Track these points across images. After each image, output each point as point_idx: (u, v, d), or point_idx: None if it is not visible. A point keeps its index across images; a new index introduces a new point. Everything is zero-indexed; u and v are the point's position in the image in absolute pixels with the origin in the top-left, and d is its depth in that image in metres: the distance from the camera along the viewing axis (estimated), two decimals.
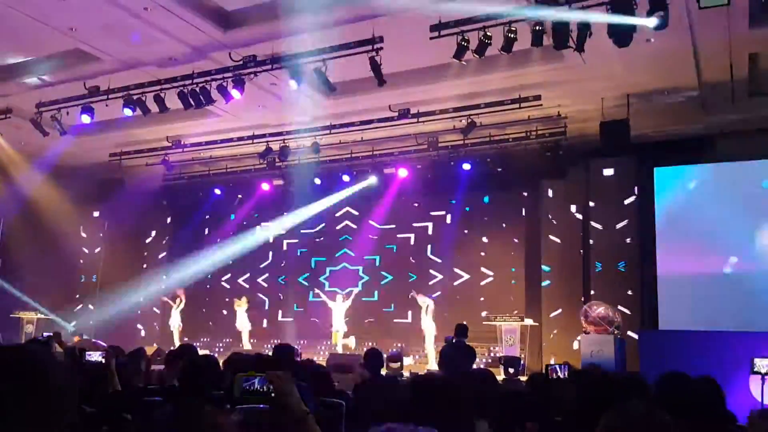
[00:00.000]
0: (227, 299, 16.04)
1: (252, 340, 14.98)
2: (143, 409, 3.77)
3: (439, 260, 14.64)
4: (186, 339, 14.03)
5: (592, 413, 1.81)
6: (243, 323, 14.86)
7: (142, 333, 16.68)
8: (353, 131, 12.59)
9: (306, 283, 15.74)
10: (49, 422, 1.33)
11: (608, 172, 12.54)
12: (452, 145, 12.81)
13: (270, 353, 6.23)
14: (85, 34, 9.56)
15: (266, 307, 16.12)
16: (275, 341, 14.46)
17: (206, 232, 17.34)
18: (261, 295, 16.25)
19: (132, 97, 10.63)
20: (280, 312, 16.01)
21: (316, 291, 14.69)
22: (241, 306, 14.91)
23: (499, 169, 13.01)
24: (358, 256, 15.42)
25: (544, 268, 13.13)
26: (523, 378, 8.70)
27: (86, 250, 17.32)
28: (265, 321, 16.03)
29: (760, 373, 7.21)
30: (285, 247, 16.45)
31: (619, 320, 11.10)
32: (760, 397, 7.39)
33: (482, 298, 13.85)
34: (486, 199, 14.36)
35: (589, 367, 6.52)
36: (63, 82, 11.02)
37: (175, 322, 15.11)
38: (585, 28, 7.46)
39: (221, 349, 14.94)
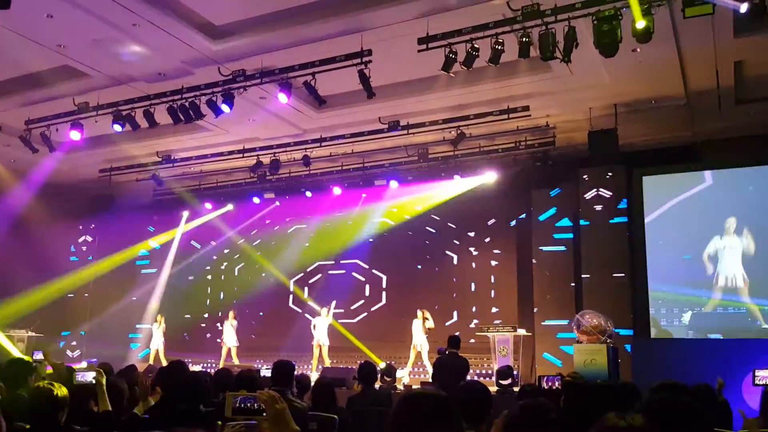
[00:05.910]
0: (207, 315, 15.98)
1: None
2: (133, 428, 3.74)
3: (429, 270, 14.62)
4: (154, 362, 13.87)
5: (581, 424, 1.81)
6: (230, 339, 14.46)
7: (133, 350, 16.53)
8: (343, 144, 12.61)
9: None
10: None
11: (597, 181, 12.57)
12: (442, 156, 12.85)
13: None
14: (73, 50, 9.52)
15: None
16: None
17: (195, 246, 17.26)
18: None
19: (121, 113, 10.60)
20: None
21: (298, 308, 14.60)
22: (229, 321, 14.65)
23: (489, 179, 13.02)
24: (348, 270, 15.40)
25: (536, 276, 13.13)
26: (517, 389, 8.66)
27: (76, 267, 17.17)
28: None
29: (763, 384, 7.12)
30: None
31: (611, 329, 11.09)
32: (756, 406, 7.35)
33: (474, 309, 13.83)
34: (477, 208, 14.33)
35: (572, 376, 6.51)
36: (52, 98, 10.97)
37: (156, 343, 14.85)
38: (571, 39, 7.51)
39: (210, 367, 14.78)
